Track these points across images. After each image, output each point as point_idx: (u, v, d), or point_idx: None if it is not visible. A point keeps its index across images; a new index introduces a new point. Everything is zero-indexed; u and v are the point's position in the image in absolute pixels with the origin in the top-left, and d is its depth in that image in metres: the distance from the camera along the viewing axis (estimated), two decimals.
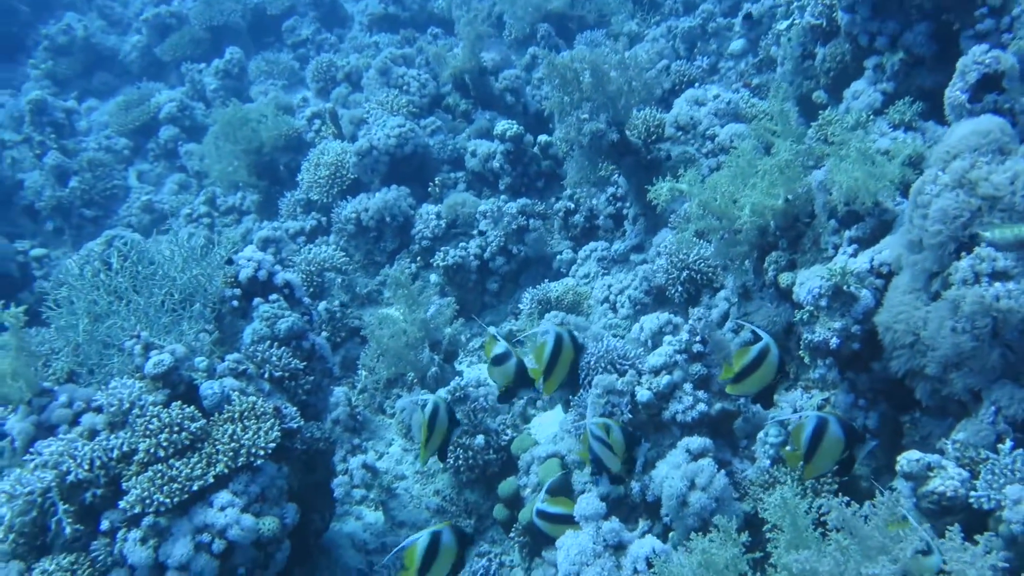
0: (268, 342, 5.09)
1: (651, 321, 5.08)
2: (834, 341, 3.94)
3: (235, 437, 4.28)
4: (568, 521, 3.68)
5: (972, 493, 3.28)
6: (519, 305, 7.41)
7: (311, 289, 7.99)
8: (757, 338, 3.79)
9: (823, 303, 3.97)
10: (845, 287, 3.93)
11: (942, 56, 5.36)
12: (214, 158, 9.87)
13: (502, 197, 8.36)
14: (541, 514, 3.70)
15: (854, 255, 4.25)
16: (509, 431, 5.69)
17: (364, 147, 8.59)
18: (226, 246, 5.52)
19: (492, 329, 7.29)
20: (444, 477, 5.85)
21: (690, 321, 4.88)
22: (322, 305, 7.56)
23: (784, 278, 4.64)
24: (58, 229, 11.00)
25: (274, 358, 5.00)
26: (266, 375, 4.94)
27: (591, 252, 7.52)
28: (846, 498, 2.84)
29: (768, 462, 4.41)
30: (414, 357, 6.45)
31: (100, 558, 4.06)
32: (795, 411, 4.72)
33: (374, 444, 6.54)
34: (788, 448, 3.78)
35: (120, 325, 5.01)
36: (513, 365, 3.78)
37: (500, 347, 3.81)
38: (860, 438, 3.53)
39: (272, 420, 4.43)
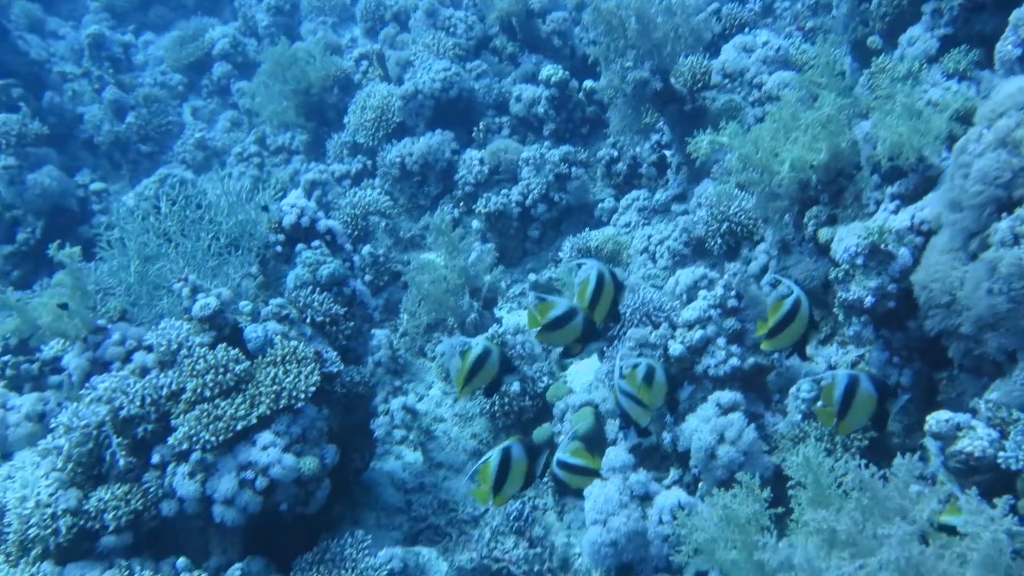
0: (310, 287, 5.21)
1: (687, 275, 5.08)
2: (869, 300, 3.92)
3: (277, 380, 4.43)
4: (588, 473, 3.74)
5: (1000, 454, 3.28)
6: (559, 253, 7.44)
7: (356, 232, 8.11)
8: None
9: (859, 261, 3.94)
10: (883, 246, 3.88)
11: (1004, 1, 5.15)
12: (264, 97, 9.97)
13: (546, 143, 8.33)
14: (561, 464, 3.74)
15: (896, 211, 4.19)
16: (545, 378, 5.78)
17: (409, 91, 8.59)
18: (270, 192, 5.62)
19: (532, 276, 7.34)
20: (481, 421, 5.98)
21: (725, 276, 4.87)
22: (366, 249, 7.67)
23: (824, 233, 4.59)
24: (116, 163, 11.26)
25: (316, 303, 5.12)
26: (308, 320, 5.07)
27: (632, 201, 7.48)
28: (864, 460, 2.87)
29: (799, 416, 4.44)
30: (454, 303, 6.54)
31: (151, 489, 4.28)
32: (830, 367, 4.72)
33: (415, 386, 6.69)
34: (820, 405, 3.80)
35: (169, 268, 5.17)
36: (581, 321, 3.68)
37: (561, 307, 3.67)
38: (892, 393, 3.53)
39: (313, 364, 4.56)
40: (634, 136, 7.19)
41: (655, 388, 3.84)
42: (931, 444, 3.47)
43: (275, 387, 4.41)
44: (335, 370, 4.82)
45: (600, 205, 7.81)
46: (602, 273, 3.75)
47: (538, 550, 5.02)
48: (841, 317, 4.21)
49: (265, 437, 4.31)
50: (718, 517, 3.34)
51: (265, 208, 5.38)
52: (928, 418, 3.45)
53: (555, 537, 5.11)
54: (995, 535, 2.46)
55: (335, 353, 4.92)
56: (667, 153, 7.46)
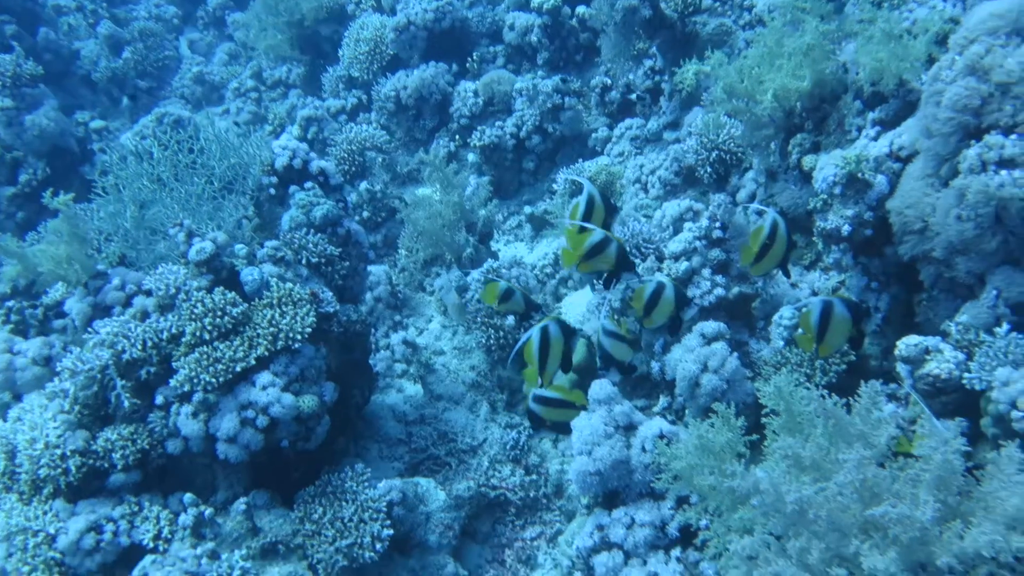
0: (305, 229, 5.29)
1: (672, 207, 5.12)
2: (846, 228, 3.98)
3: (274, 321, 4.54)
4: (564, 406, 3.84)
5: (966, 375, 3.39)
6: (554, 184, 7.46)
7: (352, 168, 8.14)
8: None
9: (837, 191, 3.98)
10: (860, 175, 3.92)
11: None
12: (258, 31, 9.88)
13: (539, 72, 8.27)
14: (537, 398, 3.82)
15: (876, 138, 4.21)
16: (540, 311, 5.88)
17: (401, 22, 8.50)
18: (264, 131, 5.65)
19: (528, 208, 7.37)
20: (479, 354, 6.11)
21: (710, 207, 4.92)
22: (363, 184, 7.71)
23: (807, 161, 4.63)
24: (115, 100, 11.23)
25: (311, 244, 5.19)
26: (303, 261, 5.16)
27: (625, 130, 7.47)
28: (825, 391, 2.97)
29: (782, 343, 4.54)
30: (450, 238, 6.61)
31: (157, 429, 4.44)
32: (813, 293, 4.80)
33: (414, 321, 6.82)
34: (799, 332, 3.91)
35: (164, 212, 5.25)
36: (615, 250, 3.72)
37: (596, 235, 3.68)
38: (866, 314, 3.64)
39: (309, 305, 4.66)
40: (626, 63, 7.14)
41: (660, 306, 3.91)
42: (901, 368, 3.58)
43: (272, 328, 4.52)
44: (331, 310, 4.92)
45: (594, 135, 7.79)
46: (592, 195, 3.80)
47: (533, 477, 5.21)
48: (820, 246, 4.27)
49: (264, 377, 4.44)
50: (694, 446, 3.47)
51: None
52: (898, 343, 3.55)
53: (550, 464, 5.30)
54: (945, 456, 2.58)
55: (331, 293, 5.01)
56: (661, 78, 7.41)
